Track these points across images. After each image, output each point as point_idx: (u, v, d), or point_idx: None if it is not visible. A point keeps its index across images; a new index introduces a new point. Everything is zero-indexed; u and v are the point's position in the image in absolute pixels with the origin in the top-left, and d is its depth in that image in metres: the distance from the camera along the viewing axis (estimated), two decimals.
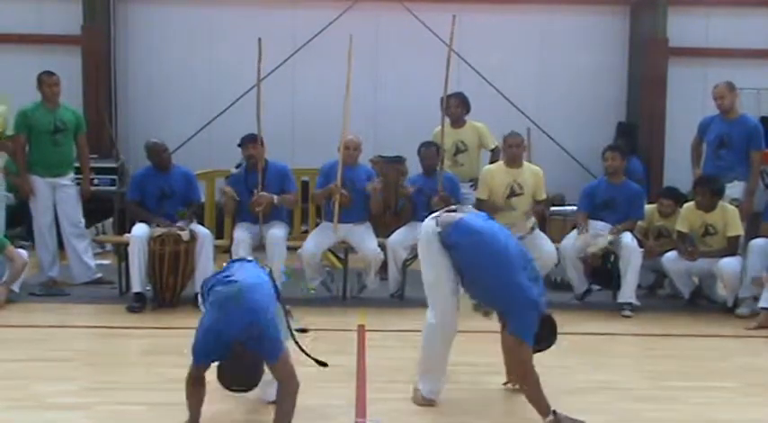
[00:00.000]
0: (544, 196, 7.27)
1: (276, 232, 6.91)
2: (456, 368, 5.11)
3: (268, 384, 4.15)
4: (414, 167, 7.61)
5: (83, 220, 7.76)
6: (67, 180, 7.57)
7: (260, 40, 6.91)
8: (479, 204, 7.27)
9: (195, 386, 3.99)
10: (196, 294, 6.77)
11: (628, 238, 6.94)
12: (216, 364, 3.85)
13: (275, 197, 6.96)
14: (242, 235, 6.89)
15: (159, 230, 6.72)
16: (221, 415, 4.27)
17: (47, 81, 7.44)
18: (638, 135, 10.29)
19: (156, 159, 7.07)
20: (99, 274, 7.76)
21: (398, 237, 7.16)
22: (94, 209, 8.60)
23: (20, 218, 9.02)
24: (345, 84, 6.86)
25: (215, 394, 4.57)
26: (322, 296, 7.22)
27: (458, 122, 7.78)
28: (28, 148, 7.48)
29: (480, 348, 5.42)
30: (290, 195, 7.16)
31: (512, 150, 7.10)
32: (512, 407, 4.50)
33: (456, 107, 7.71)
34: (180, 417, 4.23)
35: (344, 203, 6.97)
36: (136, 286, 6.66)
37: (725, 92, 7.25)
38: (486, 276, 4.22)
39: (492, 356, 5.19)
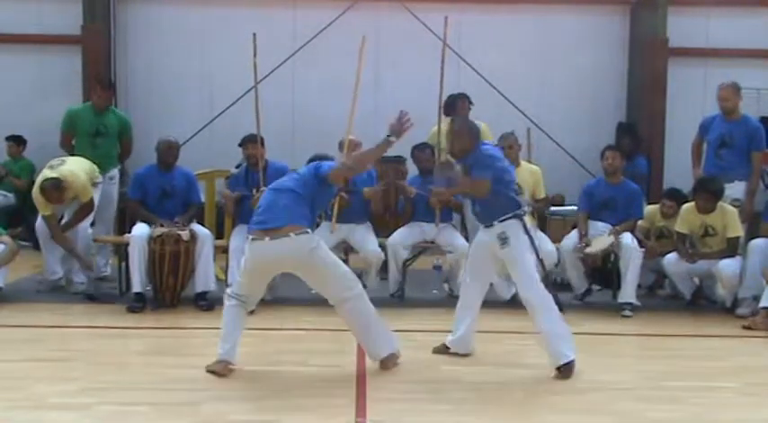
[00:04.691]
0: (543, 195, 7.28)
1: None
2: (457, 369, 5.12)
3: None
4: (414, 167, 7.62)
5: (110, 220, 7.91)
6: (106, 178, 7.69)
7: (255, 35, 6.91)
8: None
9: None
10: (196, 294, 6.80)
11: (628, 238, 6.95)
12: None
13: None
14: (238, 243, 6.82)
15: (159, 230, 6.72)
16: (221, 415, 4.27)
17: (98, 93, 7.73)
18: (638, 134, 10.27)
19: (166, 154, 7.09)
20: (105, 272, 7.81)
21: (399, 237, 7.17)
22: None
23: (20, 218, 9.04)
24: (353, 83, 6.84)
25: (214, 394, 4.58)
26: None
27: None
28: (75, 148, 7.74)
29: (482, 349, 5.44)
30: None
31: (504, 153, 7.10)
32: (512, 407, 4.50)
33: (462, 109, 7.83)
34: (179, 416, 4.23)
35: (344, 206, 6.98)
36: (136, 286, 6.66)
37: (730, 94, 7.24)
38: None
39: (493, 358, 5.20)
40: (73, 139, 7.76)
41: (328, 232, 7.08)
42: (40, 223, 7.17)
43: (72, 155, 7.59)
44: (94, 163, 7.49)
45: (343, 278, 5.02)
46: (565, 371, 4.92)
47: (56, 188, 6.83)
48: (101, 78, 8.16)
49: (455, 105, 7.87)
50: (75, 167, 7.10)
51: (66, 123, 7.76)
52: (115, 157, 7.91)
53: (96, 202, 7.36)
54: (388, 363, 5.09)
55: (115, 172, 7.90)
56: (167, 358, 5.32)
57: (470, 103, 7.95)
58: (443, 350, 5.41)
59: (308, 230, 4.88)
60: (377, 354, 5.09)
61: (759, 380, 5.13)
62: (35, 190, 6.93)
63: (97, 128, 7.67)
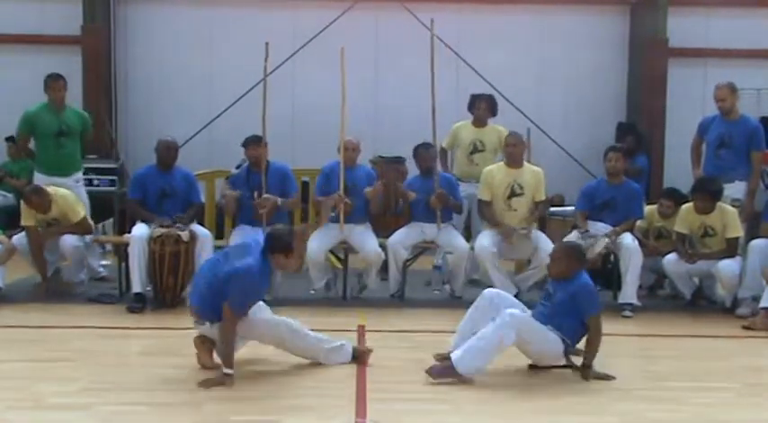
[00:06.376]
0: (543, 197, 7.27)
1: None
2: None
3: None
4: (414, 168, 7.62)
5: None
6: (72, 181, 7.63)
7: (267, 44, 6.94)
8: (482, 205, 7.26)
9: None
10: None
11: (628, 238, 6.93)
12: None
13: (279, 200, 6.96)
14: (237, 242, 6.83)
15: (159, 231, 6.72)
16: (221, 415, 4.27)
17: (53, 85, 7.53)
18: (638, 132, 10.26)
19: (165, 154, 7.09)
20: (103, 273, 7.80)
21: (399, 237, 7.16)
22: (94, 209, 8.59)
23: (19, 218, 9.01)
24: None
25: (214, 394, 4.58)
26: (322, 296, 7.22)
27: (481, 122, 8.00)
28: (35, 150, 7.64)
29: None
30: (293, 198, 7.19)
31: (509, 150, 7.14)
32: (512, 407, 4.50)
33: (484, 109, 7.97)
34: (180, 416, 4.23)
35: (348, 212, 6.98)
36: (136, 286, 6.66)
37: (726, 94, 7.24)
38: None
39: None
40: (30, 141, 7.63)
41: (332, 232, 7.08)
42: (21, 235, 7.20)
43: (32, 158, 7.63)
44: (60, 164, 7.50)
45: (277, 330, 5.04)
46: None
47: (37, 192, 6.91)
48: (50, 73, 7.80)
49: (473, 105, 8.00)
50: (64, 190, 7.17)
51: (26, 125, 7.55)
52: (79, 160, 7.79)
53: None
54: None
55: (79, 175, 7.80)
56: (167, 358, 5.32)
57: (493, 107, 8.07)
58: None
59: None
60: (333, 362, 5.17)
61: (759, 380, 5.13)
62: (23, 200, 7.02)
63: (60, 127, 7.51)
